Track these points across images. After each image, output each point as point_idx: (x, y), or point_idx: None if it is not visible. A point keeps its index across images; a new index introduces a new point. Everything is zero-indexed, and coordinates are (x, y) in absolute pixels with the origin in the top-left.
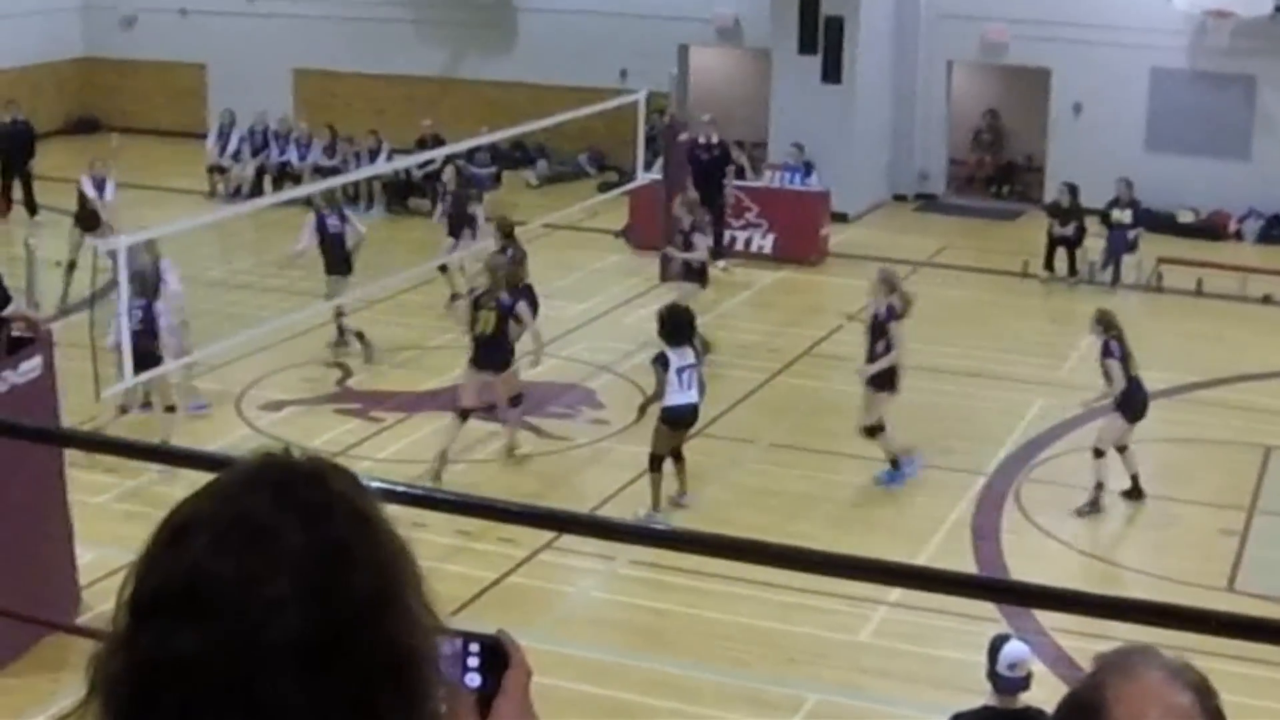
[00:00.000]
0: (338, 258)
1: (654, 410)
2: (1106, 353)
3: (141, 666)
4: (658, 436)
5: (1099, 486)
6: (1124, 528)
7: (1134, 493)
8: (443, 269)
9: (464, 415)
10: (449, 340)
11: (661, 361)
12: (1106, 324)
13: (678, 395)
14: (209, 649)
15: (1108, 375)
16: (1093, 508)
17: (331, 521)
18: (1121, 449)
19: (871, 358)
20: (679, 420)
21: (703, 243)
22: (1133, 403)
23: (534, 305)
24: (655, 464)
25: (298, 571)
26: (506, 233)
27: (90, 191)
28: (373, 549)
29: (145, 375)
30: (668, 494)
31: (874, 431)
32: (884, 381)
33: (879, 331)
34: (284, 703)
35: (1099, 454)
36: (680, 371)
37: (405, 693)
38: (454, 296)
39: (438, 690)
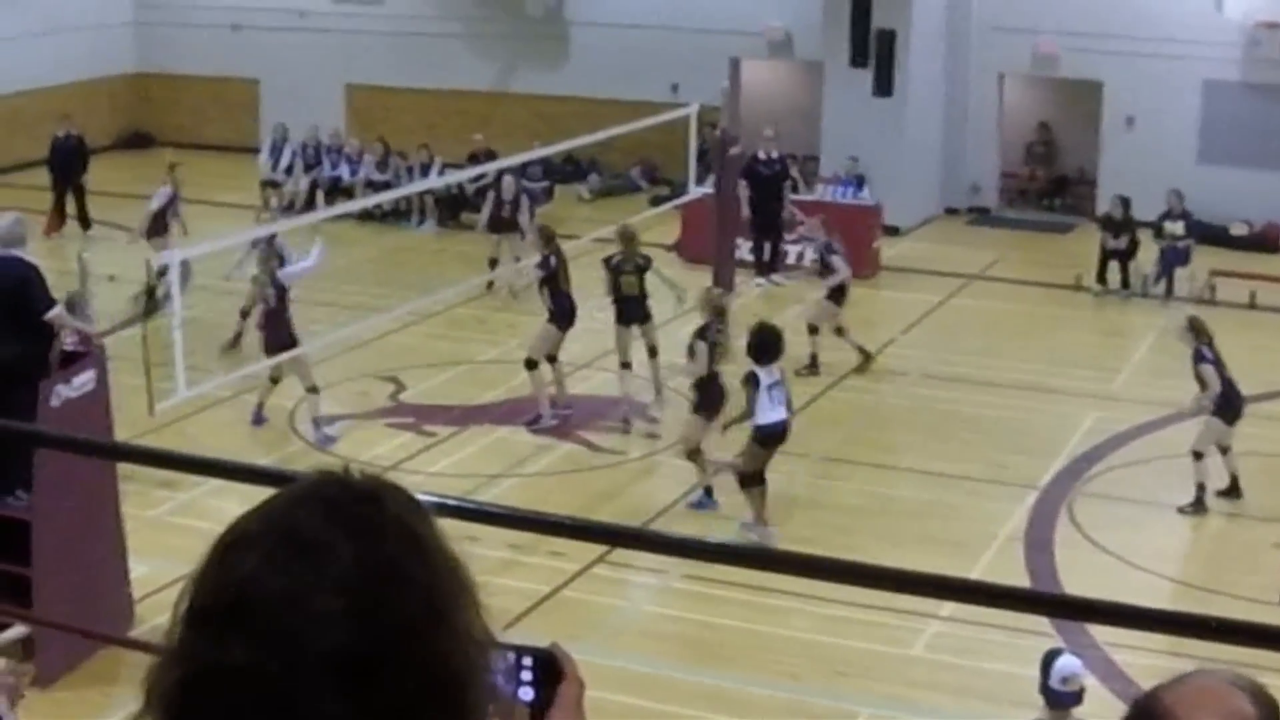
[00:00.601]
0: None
1: (724, 425)
2: (1199, 358)
3: (191, 678)
4: (749, 455)
5: (1201, 487)
6: (1177, 542)
7: (1232, 491)
8: (493, 264)
9: (626, 366)
10: (500, 354)
11: (751, 380)
12: (1197, 330)
13: (770, 413)
14: (255, 662)
15: (1202, 380)
16: (1196, 508)
17: (383, 539)
18: (1224, 450)
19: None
20: (771, 438)
21: (841, 264)
22: (1230, 405)
23: (570, 313)
24: (746, 482)
25: (346, 588)
26: (548, 239)
27: (155, 204)
28: (423, 568)
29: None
30: (743, 517)
31: (693, 455)
32: (700, 403)
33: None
34: (326, 716)
35: (1198, 456)
36: (770, 389)
37: (451, 711)
38: (490, 285)
39: (488, 709)
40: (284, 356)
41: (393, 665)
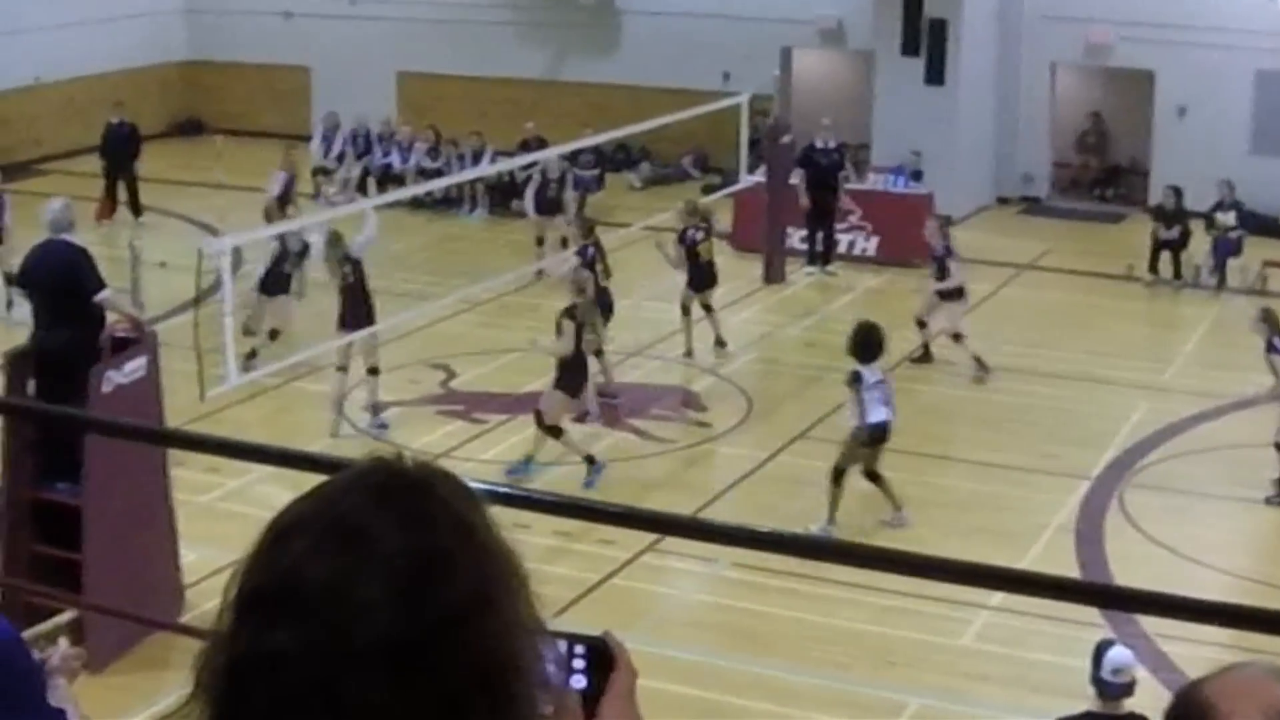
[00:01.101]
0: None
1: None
2: (1271, 349)
3: (237, 663)
4: (849, 452)
5: None
6: (1228, 533)
7: None
8: (540, 244)
9: (708, 309)
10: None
11: (856, 379)
12: (1272, 322)
13: (875, 412)
14: (300, 647)
15: (1275, 371)
16: None
17: (431, 527)
18: None
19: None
20: (875, 438)
21: (956, 268)
22: None
23: (608, 306)
24: (837, 477)
25: (391, 575)
26: (588, 231)
27: (275, 189)
28: (473, 556)
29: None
30: (881, 517)
31: (555, 433)
32: (563, 380)
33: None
34: (371, 704)
35: None
36: (873, 387)
37: (498, 699)
38: (539, 273)
39: (535, 698)
40: (364, 332)
41: (439, 654)
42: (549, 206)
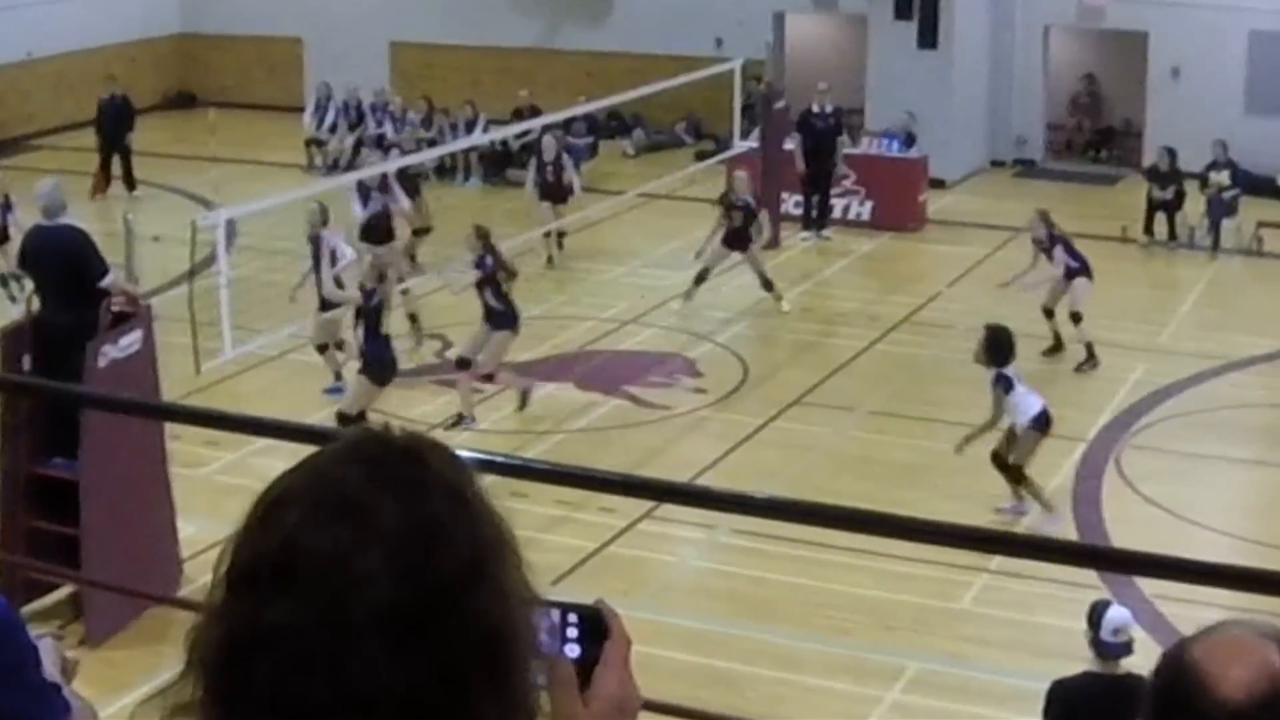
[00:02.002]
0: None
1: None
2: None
3: (234, 637)
4: (1023, 447)
5: None
6: (1226, 494)
7: None
8: (547, 235)
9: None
10: (547, 310)
11: (1003, 383)
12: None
13: (1033, 404)
14: (299, 620)
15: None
16: None
17: (425, 497)
18: None
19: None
20: (1047, 423)
21: (1060, 256)
22: None
23: (514, 315)
24: (1019, 476)
25: (389, 546)
26: (482, 239)
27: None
28: (467, 526)
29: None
30: (1003, 504)
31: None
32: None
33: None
34: (371, 674)
35: None
36: (1022, 381)
37: (496, 668)
38: (549, 260)
39: (530, 666)
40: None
41: (437, 624)
42: (551, 192)
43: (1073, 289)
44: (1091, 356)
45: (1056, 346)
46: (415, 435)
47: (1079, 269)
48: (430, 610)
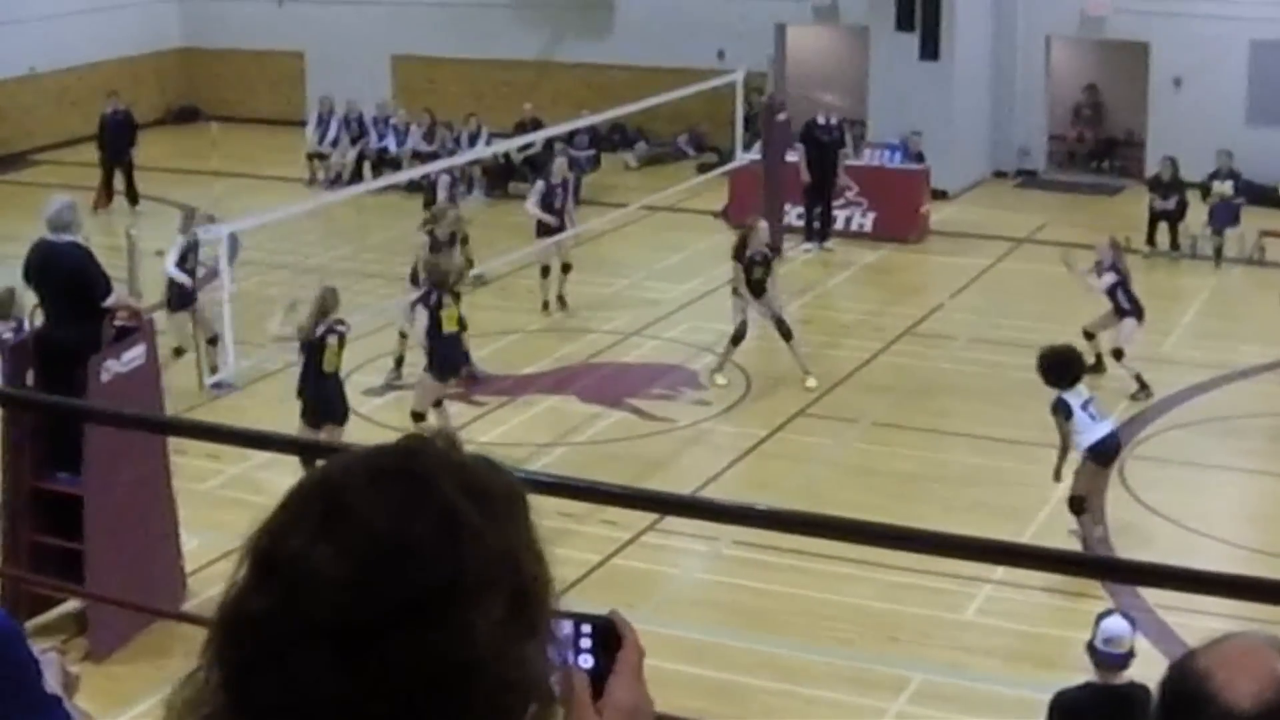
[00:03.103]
0: None
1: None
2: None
3: (225, 619)
4: (1083, 477)
5: None
6: (1229, 504)
7: None
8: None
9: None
10: (550, 324)
11: (1061, 407)
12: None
13: (1096, 430)
14: (265, 614)
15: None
16: None
17: (415, 515)
18: None
19: None
20: (1105, 454)
21: (1109, 280)
22: None
23: (454, 362)
24: (1077, 505)
25: (363, 556)
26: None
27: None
28: (452, 549)
29: None
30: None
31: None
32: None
33: None
34: (318, 682)
35: None
36: (1084, 407)
37: (460, 700)
38: (565, 267)
39: (515, 703)
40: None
41: (393, 642)
42: (549, 227)
43: (1121, 327)
44: (1144, 386)
45: (1096, 366)
46: (444, 453)
47: (1130, 310)
48: (390, 627)
